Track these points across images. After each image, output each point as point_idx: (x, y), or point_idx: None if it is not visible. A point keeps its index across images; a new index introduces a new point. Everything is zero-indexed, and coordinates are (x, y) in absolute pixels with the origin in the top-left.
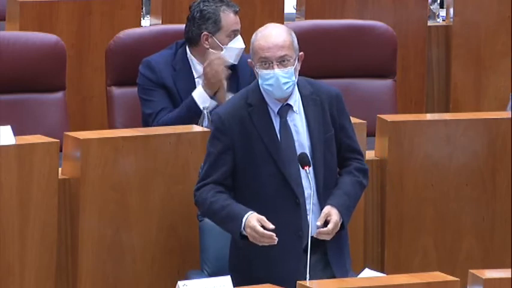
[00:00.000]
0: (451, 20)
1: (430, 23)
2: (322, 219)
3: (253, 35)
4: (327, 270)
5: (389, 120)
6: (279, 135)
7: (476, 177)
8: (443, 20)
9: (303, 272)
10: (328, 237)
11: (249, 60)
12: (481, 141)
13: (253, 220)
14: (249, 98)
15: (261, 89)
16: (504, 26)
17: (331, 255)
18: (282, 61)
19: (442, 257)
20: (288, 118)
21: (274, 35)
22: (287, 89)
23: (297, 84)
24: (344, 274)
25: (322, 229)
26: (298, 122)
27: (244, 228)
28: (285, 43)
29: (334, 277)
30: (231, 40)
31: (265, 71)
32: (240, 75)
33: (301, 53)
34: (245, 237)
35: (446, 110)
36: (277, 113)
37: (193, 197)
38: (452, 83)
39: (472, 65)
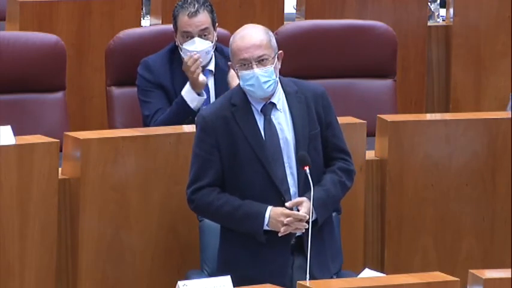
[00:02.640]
0: (451, 20)
1: (430, 23)
2: (292, 203)
3: (231, 37)
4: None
5: (389, 120)
6: (263, 133)
7: (476, 177)
8: (443, 20)
9: (289, 271)
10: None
11: (229, 62)
12: (481, 141)
13: (279, 209)
14: (233, 98)
15: (244, 90)
16: (504, 26)
17: (312, 257)
18: (261, 60)
19: (442, 257)
20: (272, 116)
21: (250, 35)
22: (268, 87)
23: (281, 83)
24: (326, 276)
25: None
26: (282, 120)
27: (268, 222)
28: (262, 42)
29: (315, 279)
30: (185, 41)
31: (245, 72)
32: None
33: (281, 51)
34: (266, 233)
35: (446, 110)
36: (261, 111)
37: (189, 200)
38: (452, 83)
39: (472, 65)
